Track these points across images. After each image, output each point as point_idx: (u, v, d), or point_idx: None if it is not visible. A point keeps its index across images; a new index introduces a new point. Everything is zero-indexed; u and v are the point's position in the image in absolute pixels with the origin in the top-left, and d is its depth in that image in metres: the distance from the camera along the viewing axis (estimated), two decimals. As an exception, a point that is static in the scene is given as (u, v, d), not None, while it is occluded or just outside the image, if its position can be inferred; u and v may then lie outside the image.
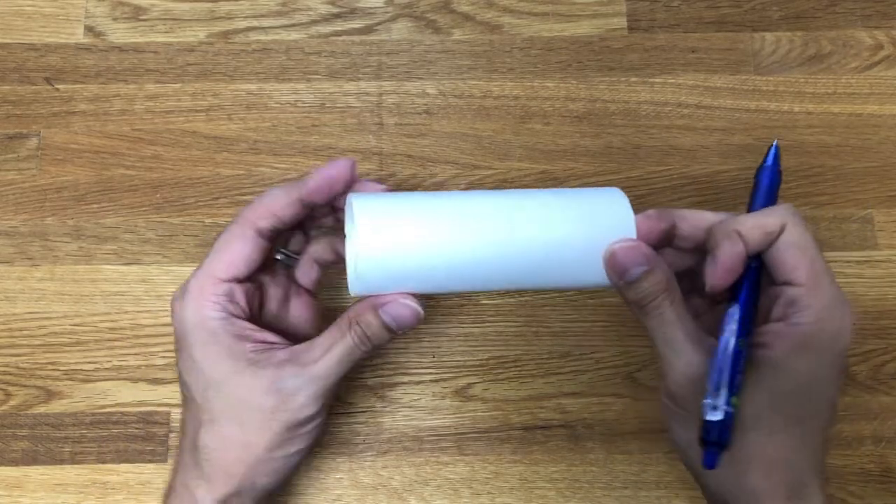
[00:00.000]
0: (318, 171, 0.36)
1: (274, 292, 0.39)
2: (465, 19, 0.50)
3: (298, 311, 0.40)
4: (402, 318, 0.35)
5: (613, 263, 0.34)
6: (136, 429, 0.43)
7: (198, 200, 0.46)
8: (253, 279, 0.37)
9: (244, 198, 0.46)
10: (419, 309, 0.35)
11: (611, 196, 0.36)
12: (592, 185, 0.47)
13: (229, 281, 0.36)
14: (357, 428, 0.43)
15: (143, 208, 0.46)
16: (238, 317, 0.36)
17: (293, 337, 0.38)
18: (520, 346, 0.44)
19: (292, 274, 0.40)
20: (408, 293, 0.35)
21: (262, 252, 0.37)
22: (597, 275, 0.35)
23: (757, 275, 0.35)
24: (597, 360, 0.44)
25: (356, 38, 0.49)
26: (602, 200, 0.36)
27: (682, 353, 0.34)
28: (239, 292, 0.36)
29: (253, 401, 0.35)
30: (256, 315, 0.38)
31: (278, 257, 0.39)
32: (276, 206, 0.36)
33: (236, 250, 0.36)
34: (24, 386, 0.43)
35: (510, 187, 0.47)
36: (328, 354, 0.35)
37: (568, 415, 0.43)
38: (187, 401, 0.36)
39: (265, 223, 0.36)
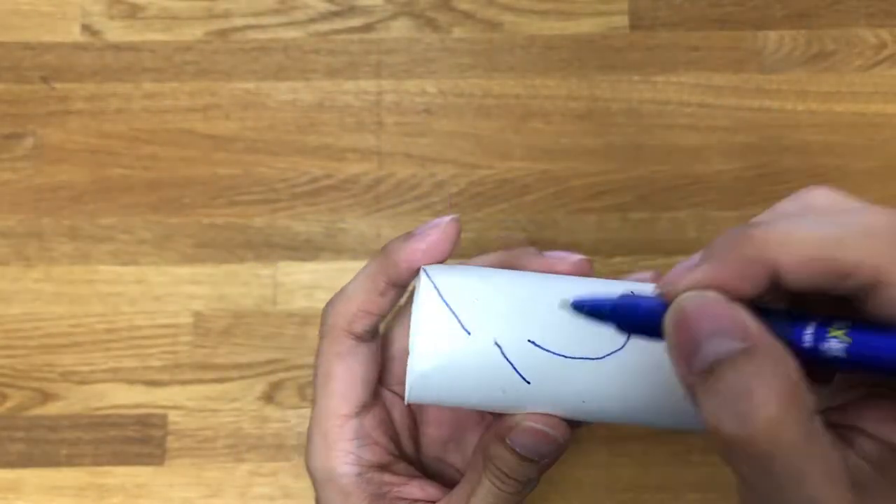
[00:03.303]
0: (406, 242, 0.28)
1: (434, 410, 0.32)
2: (466, 17, 0.49)
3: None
4: (536, 448, 0.27)
5: (676, 330, 0.20)
6: (133, 431, 0.42)
7: (195, 200, 0.46)
8: (393, 391, 0.31)
9: (242, 197, 0.46)
10: (550, 431, 0.27)
11: None
12: (593, 184, 0.46)
13: (357, 415, 0.29)
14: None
15: (140, 208, 0.46)
16: (377, 465, 0.29)
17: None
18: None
19: None
20: (538, 413, 0.27)
21: (374, 357, 0.30)
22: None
23: None
24: (598, 361, 0.44)
25: (355, 37, 0.49)
26: None
27: None
28: (373, 425, 0.29)
29: None
30: (407, 443, 0.31)
31: None
32: (364, 301, 0.29)
33: (343, 373, 0.29)
34: (20, 388, 0.43)
35: (511, 187, 0.46)
36: None
37: (569, 417, 0.43)
38: None
39: (361, 326, 0.29)
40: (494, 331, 0.27)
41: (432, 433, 0.33)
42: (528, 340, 0.27)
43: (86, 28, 0.49)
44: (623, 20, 0.49)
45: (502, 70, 0.48)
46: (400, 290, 0.29)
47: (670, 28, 0.49)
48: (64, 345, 0.43)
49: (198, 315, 0.44)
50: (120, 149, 0.47)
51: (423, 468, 0.32)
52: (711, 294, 0.19)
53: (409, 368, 0.27)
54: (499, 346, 0.27)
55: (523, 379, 0.27)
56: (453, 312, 0.27)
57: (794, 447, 0.18)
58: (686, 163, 0.47)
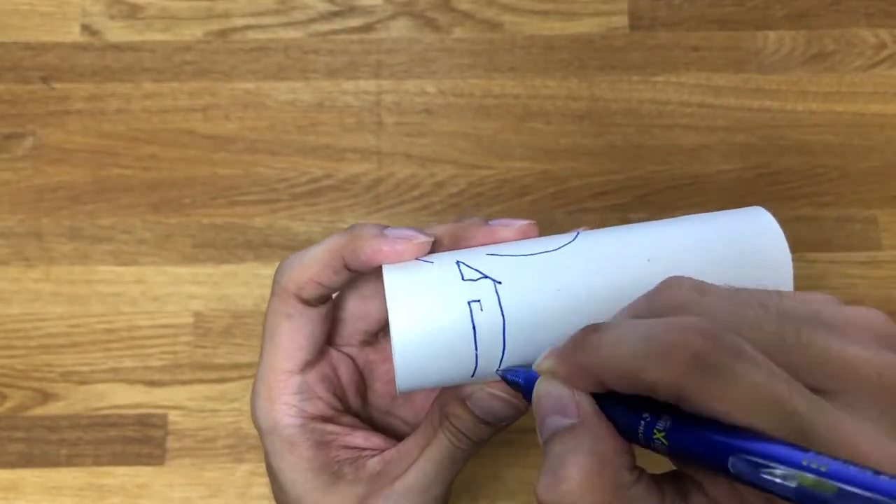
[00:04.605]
0: (374, 239, 0.28)
1: (384, 366, 0.33)
2: (465, 17, 0.49)
3: None
4: (494, 411, 0.29)
5: (534, 407, 0.23)
6: (133, 431, 0.42)
7: (195, 200, 0.46)
8: (340, 349, 0.32)
9: (242, 198, 0.46)
10: (511, 399, 0.28)
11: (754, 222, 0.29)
12: (593, 184, 0.46)
13: (300, 371, 0.30)
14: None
15: (140, 208, 0.46)
16: (320, 417, 0.30)
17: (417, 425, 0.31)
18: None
19: None
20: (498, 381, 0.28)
21: (323, 320, 0.31)
22: None
23: None
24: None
25: (355, 37, 0.49)
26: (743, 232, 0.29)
27: None
28: (316, 381, 0.30)
29: None
30: (353, 399, 0.32)
31: None
32: (318, 273, 0.29)
33: (288, 332, 0.30)
34: (20, 388, 0.43)
35: (511, 187, 0.46)
36: (420, 462, 0.29)
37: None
38: None
39: (310, 293, 0.30)
40: (455, 256, 0.28)
41: (380, 389, 0.33)
42: (487, 253, 0.28)
43: (86, 28, 0.49)
44: (623, 20, 0.49)
45: (502, 70, 0.48)
46: (351, 275, 0.30)
47: (670, 28, 0.49)
48: (64, 345, 0.43)
49: (198, 315, 0.44)
50: (120, 149, 0.47)
51: (370, 422, 0.33)
52: (557, 381, 0.23)
53: (391, 321, 0.27)
54: (461, 262, 0.28)
55: (493, 280, 0.27)
56: (418, 260, 0.28)
57: None
58: (686, 163, 0.47)
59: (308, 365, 0.31)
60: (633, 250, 0.28)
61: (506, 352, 0.27)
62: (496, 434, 0.30)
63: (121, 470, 0.42)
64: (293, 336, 0.30)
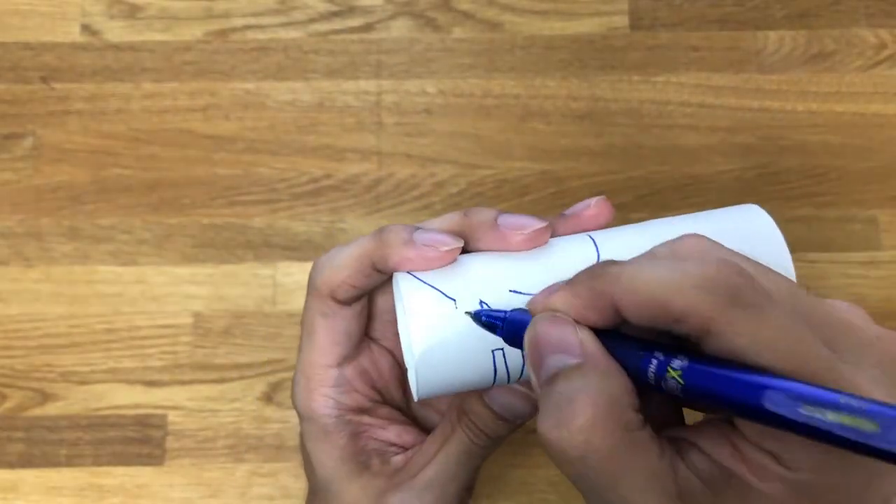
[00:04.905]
0: (404, 246, 0.28)
1: None
2: (465, 17, 0.49)
3: None
4: (512, 407, 0.29)
5: (529, 346, 0.23)
6: (133, 431, 0.42)
7: (195, 201, 0.46)
8: (378, 342, 0.32)
9: (242, 198, 0.46)
10: (529, 393, 0.29)
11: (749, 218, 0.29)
12: (594, 184, 0.46)
13: (338, 365, 0.31)
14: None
15: (140, 208, 0.45)
16: (357, 408, 0.31)
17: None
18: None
19: None
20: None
21: (358, 316, 0.31)
22: None
23: None
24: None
25: (355, 37, 0.49)
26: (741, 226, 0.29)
27: None
28: (354, 374, 0.31)
29: None
30: (395, 391, 0.33)
31: None
32: (350, 276, 0.30)
33: (324, 329, 0.31)
34: (20, 388, 0.43)
35: (511, 187, 0.46)
36: (438, 457, 0.29)
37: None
38: (309, 491, 0.32)
39: (344, 294, 0.30)
40: (477, 292, 0.28)
41: None
42: (510, 290, 0.28)
43: (85, 28, 0.49)
44: (623, 20, 0.49)
45: (502, 70, 0.48)
46: (385, 276, 0.30)
47: (670, 28, 0.49)
48: (63, 345, 0.43)
49: (197, 315, 0.44)
50: (119, 149, 0.46)
51: (412, 414, 0.34)
52: (560, 317, 0.22)
53: (408, 360, 0.27)
54: (484, 303, 0.27)
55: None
56: (435, 288, 0.27)
57: (606, 453, 0.20)
58: (686, 163, 0.47)
59: (346, 359, 0.31)
60: None
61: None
62: (513, 432, 0.30)
63: (120, 470, 0.42)
64: (329, 333, 0.31)
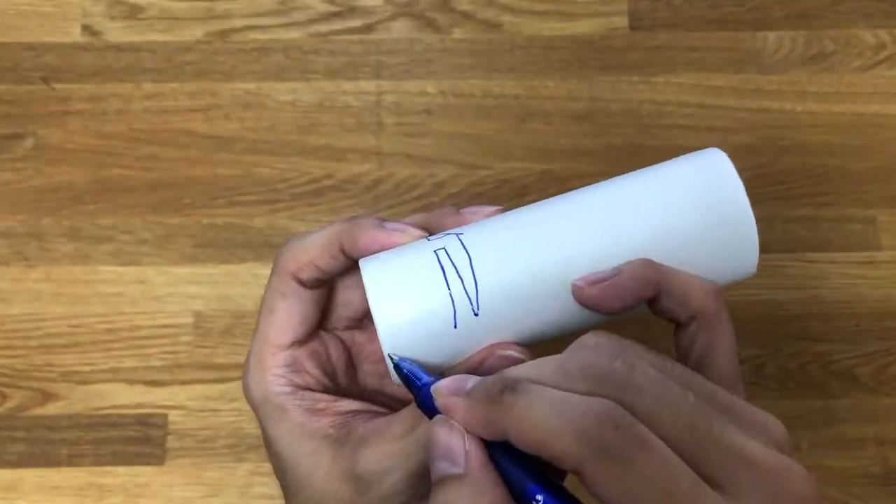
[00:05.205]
0: (373, 229, 0.30)
1: (371, 347, 0.34)
2: (465, 18, 0.49)
3: None
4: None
5: (429, 445, 0.25)
6: (134, 431, 0.42)
7: (195, 201, 0.46)
8: (331, 331, 0.33)
9: (242, 198, 0.46)
10: (519, 355, 0.28)
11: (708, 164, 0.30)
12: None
13: (290, 346, 0.31)
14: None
15: (140, 208, 0.46)
16: (308, 388, 0.31)
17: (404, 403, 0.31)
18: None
19: None
20: (504, 343, 0.29)
21: (316, 303, 0.32)
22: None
23: None
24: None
25: (355, 37, 0.49)
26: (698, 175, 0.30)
27: None
28: (305, 356, 0.31)
29: (329, 488, 0.29)
30: (342, 378, 0.33)
31: None
32: (316, 257, 0.30)
33: (283, 310, 0.31)
34: (21, 388, 0.43)
35: (511, 187, 0.46)
36: (418, 426, 0.28)
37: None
38: (284, 495, 0.32)
39: (307, 275, 0.31)
40: (432, 242, 0.29)
41: (369, 368, 0.34)
42: (457, 234, 0.29)
43: (86, 29, 0.49)
44: (623, 21, 0.49)
45: (502, 71, 0.48)
46: (349, 262, 0.31)
47: (670, 29, 0.49)
48: (64, 345, 0.44)
49: (198, 315, 0.44)
50: (120, 149, 0.47)
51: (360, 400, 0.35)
52: (455, 425, 0.24)
53: (372, 308, 0.28)
54: (427, 238, 0.29)
55: (456, 234, 0.29)
56: (393, 253, 0.29)
57: None
58: (685, 163, 0.47)
59: (299, 342, 0.32)
60: (601, 213, 0.30)
61: (479, 288, 0.28)
62: None
63: (121, 470, 0.42)
64: (288, 314, 0.31)
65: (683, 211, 0.29)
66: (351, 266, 0.31)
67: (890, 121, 0.48)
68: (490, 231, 0.29)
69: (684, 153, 0.47)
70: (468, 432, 0.24)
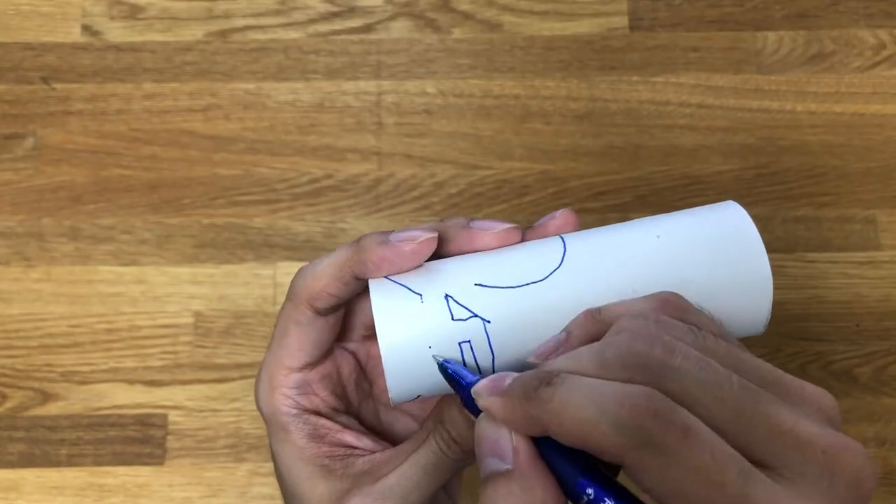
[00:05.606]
0: (380, 247, 0.29)
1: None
2: (465, 18, 0.49)
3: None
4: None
5: (475, 443, 0.24)
6: (134, 431, 0.42)
7: (195, 201, 0.46)
8: (345, 347, 0.33)
9: (242, 198, 0.46)
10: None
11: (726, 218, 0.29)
12: (593, 184, 0.46)
13: (301, 370, 0.31)
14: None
15: (140, 208, 0.46)
16: (315, 412, 0.31)
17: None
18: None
19: None
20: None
21: (330, 329, 0.31)
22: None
23: None
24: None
25: (355, 37, 0.49)
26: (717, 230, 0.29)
27: None
28: (316, 379, 0.31)
29: None
30: (355, 397, 0.33)
31: None
32: (329, 285, 0.30)
33: (296, 335, 0.31)
34: (21, 388, 0.43)
35: (510, 187, 0.46)
36: (405, 465, 0.29)
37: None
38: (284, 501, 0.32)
39: (322, 304, 0.30)
40: (442, 286, 0.28)
41: (384, 384, 0.34)
42: (475, 284, 0.28)
43: (86, 29, 0.49)
44: (622, 21, 0.49)
45: (502, 70, 0.48)
46: (363, 283, 0.30)
47: (669, 29, 0.49)
48: (64, 345, 0.44)
49: (198, 315, 0.44)
50: (120, 149, 0.47)
51: (375, 418, 0.34)
52: (500, 423, 0.23)
53: (382, 355, 0.28)
54: (449, 296, 0.28)
55: (482, 319, 0.28)
56: (401, 284, 0.28)
57: None
58: (685, 163, 0.47)
59: (310, 366, 0.31)
60: (620, 274, 0.28)
61: (495, 368, 0.28)
62: None
63: (121, 470, 0.42)
64: (300, 341, 0.31)
65: (703, 275, 0.28)
66: (366, 285, 0.31)
67: (890, 121, 0.48)
68: (518, 325, 0.28)
69: (684, 153, 0.47)
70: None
